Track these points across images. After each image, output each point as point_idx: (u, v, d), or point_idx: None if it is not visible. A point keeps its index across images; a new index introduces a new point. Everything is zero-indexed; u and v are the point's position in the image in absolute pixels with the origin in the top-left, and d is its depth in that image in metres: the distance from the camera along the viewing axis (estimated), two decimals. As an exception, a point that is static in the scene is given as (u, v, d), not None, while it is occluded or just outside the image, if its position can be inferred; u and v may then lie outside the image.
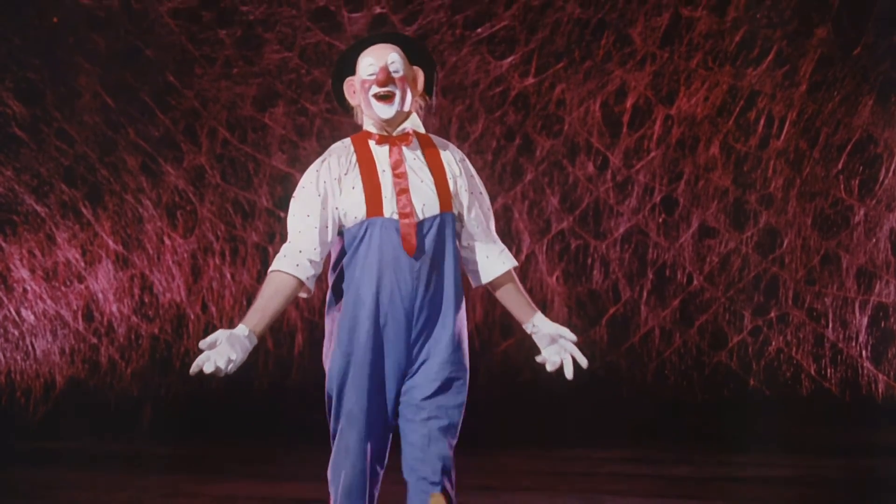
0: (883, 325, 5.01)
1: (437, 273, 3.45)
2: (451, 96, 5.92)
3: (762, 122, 5.52)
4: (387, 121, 3.41)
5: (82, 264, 5.91)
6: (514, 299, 3.52)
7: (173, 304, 5.97)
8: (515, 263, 3.52)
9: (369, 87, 3.41)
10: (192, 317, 6.00)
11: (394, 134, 3.46)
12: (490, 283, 3.53)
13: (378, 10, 5.93)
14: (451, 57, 5.89)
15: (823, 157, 5.29)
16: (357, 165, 3.45)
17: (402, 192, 3.41)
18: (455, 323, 3.46)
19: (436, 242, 3.43)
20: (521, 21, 5.90)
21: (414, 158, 3.46)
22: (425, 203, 3.40)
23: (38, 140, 5.85)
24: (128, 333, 5.94)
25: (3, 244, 5.79)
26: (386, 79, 3.40)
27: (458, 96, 5.93)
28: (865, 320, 5.10)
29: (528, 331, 3.43)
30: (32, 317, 5.85)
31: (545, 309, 5.73)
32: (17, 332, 5.83)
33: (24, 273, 5.83)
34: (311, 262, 3.44)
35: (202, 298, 6.00)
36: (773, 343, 5.47)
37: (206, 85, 5.98)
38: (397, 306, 3.40)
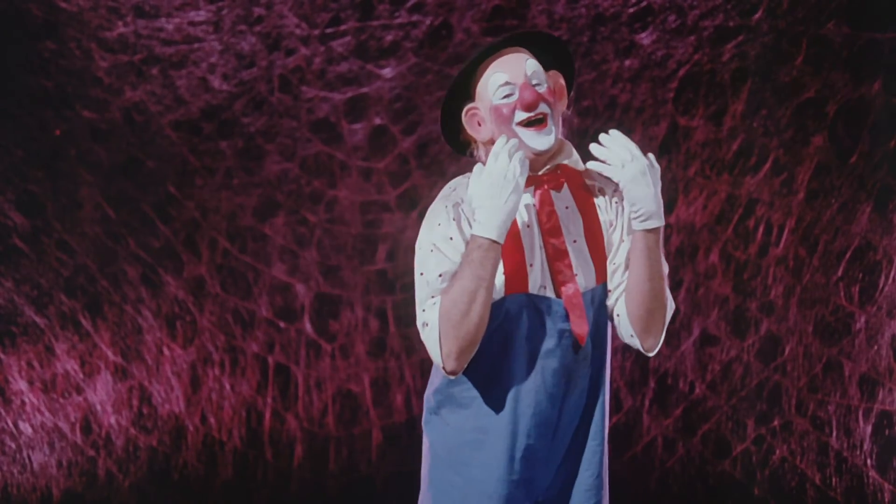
0: (887, 433, 4.97)
1: (592, 373, 2.55)
2: (451, 206, 5.94)
3: (761, 229, 5.54)
4: (540, 153, 2.55)
5: (81, 376, 5.88)
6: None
7: (172, 415, 5.93)
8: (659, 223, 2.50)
9: (511, 115, 2.52)
10: (191, 428, 5.95)
11: (540, 173, 2.57)
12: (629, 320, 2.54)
13: (378, 121, 5.98)
14: (450, 167, 5.92)
15: (823, 264, 5.29)
16: None
17: (560, 255, 2.50)
18: (604, 443, 2.62)
19: (596, 328, 2.55)
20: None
21: (566, 207, 2.57)
22: (580, 271, 2.53)
23: (39, 251, 5.86)
24: (126, 445, 5.90)
25: (2, 356, 5.77)
26: (534, 99, 2.50)
27: (458, 206, 5.94)
28: (869, 428, 5.06)
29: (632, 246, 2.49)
30: (30, 429, 5.81)
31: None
32: (14, 445, 5.78)
33: (23, 385, 5.80)
34: None
35: (201, 409, 5.96)
36: (777, 452, 5.42)
37: (206, 195, 6.01)
38: (544, 419, 2.50)
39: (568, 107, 2.68)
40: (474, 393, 2.54)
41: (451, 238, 2.52)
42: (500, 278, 2.49)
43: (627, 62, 5.78)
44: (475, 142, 2.66)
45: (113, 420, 5.89)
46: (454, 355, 2.46)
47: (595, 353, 2.54)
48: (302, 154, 6.01)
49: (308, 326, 5.98)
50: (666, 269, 2.57)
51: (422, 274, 2.54)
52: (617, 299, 2.58)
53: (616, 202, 2.61)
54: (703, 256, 5.68)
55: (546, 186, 2.55)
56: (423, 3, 5.92)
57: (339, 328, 5.98)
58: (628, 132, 6.04)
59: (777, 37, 5.49)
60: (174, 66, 5.96)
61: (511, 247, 2.49)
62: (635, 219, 2.48)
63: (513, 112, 2.53)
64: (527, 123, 2.53)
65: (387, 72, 5.97)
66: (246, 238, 6.01)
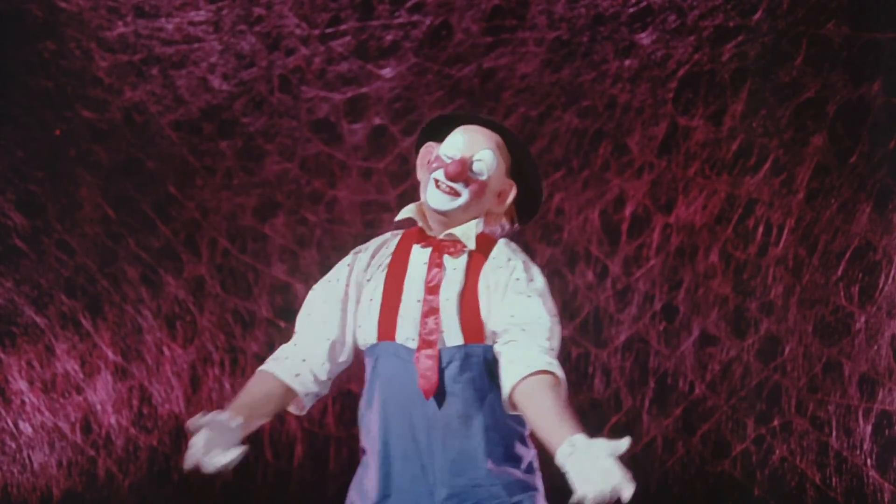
0: (887, 433, 4.98)
1: (466, 427, 2.56)
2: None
3: (760, 229, 5.54)
4: (437, 212, 2.67)
5: (81, 375, 5.88)
6: (542, 410, 2.50)
7: (172, 415, 5.93)
8: (554, 369, 2.61)
9: (435, 169, 2.68)
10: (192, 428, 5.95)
11: (441, 237, 2.70)
12: (514, 396, 2.55)
13: (378, 121, 5.98)
14: (450, 167, 5.92)
15: (823, 264, 5.30)
16: (386, 269, 2.72)
17: (431, 312, 2.62)
18: None
19: (459, 385, 2.59)
20: (519, 131, 5.94)
21: (454, 269, 2.68)
22: (445, 329, 2.61)
23: (39, 251, 5.86)
24: (126, 445, 5.90)
25: (2, 356, 5.77)
26: (458, 174, 2.63)
27: (458, 206, 5.94)
28: (869, 428, 5.06)
29: (560, 461, 2.38)
30: (30, 429, 5.81)
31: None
32: (14, 445, 5.78)
33: (23, 385, 5.80)
34: (314, 378, 2.71)
35: (201, 410, 5.96)
36: (777, 452, 5.42)
37: (206, 196, 6.01)
38: (411, 466, 2.56)
39: (513, 225, 2.80)
40: (363, 428, 2.70)
41: (330, 281, 2.80)
42: (373, 325, 2.66)
43: (627, 62, 5.78)
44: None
45: (113, 420, 5.89)
46: None
47: (465, 408, 2.59)
48: (302, 154, 6.01)
49: (308, 326, 5.98)
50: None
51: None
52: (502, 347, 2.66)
53: (499, 267, 2.68)
54: (702, 256, 5.68)
55: (442, 250, 2.67)
56: (423, 3, 5.92)
57: (339, 328, 5.97)
58: (628, 132, 6.05)
59: (777, 37, 5.49)
60: (174, 66, 5.96)
61: (391, 296, 2.65)
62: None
63: (438, 168, 2.67)
64: (438, 184, 2.66)
65: (387, 72, 5.97)
66: (246, 238, 6.01)
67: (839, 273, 5.21)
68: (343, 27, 5.96)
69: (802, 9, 5.39)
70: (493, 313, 2.63)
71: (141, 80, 5.95)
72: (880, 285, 5.06)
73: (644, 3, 5.73)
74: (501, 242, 2.74)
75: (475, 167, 2.66)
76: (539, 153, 5.87)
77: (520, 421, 2.64)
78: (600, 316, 5.76)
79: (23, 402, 5.81)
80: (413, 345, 2.61)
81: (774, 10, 5.48)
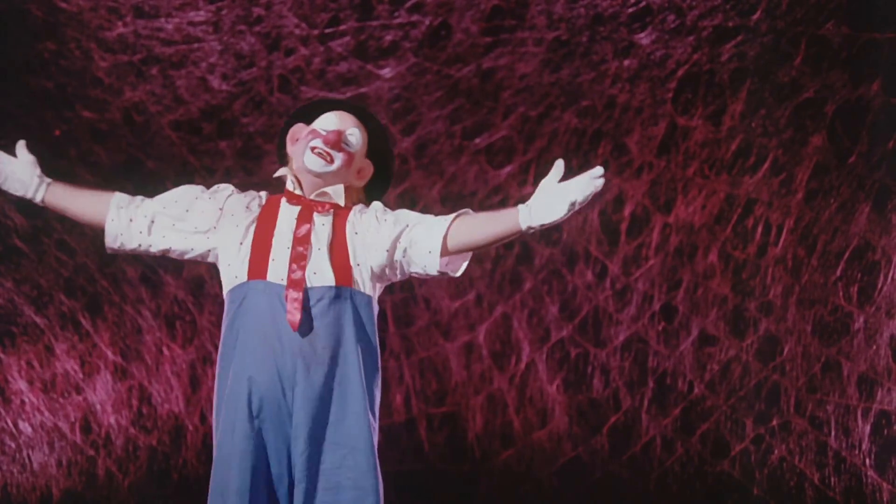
0: (885, 433, 4.98)
1: (329, 360, 2.94)
2: (451, 205, 5.95)
3: (759, 229, 5.55)
4: (313, 174, 3.09)
5: (81, 375, 5.89)
6: (480, 220, 3.02)
7: (172, 415, 5.94)
8: (465, 211, 3.06)
9: (312, 138, 3.12)
10: (191, 428, 5.96)
11: (311, 196, 3.12)
12: (448, 242, 3.01)
13: (377, 121, 5.99)
14: (449, 167, 5.94)
15: (822, 264, 5.30)
16: (255, 222, 3.11)
17: (299, 258, 2.99)
18: (355, 430, 2.98)
19: (326, 319, 2.98)
20: (518, 131, 5.95)
21: (322, 225, 3.07)
22: (316, 271, 3.00)
23: (39, 251, 5.87)
24: (125, 445, 5.90)
25: (2, 356, 5.78)
26: (335, 142, 3.08)
27: (457, 206, 5.96)
28: (868, 428, 5.06)
29: (525, 223, 2.94)
30: (30, 429, 5.81)
31: (546, 417, 5.69)
32: (13, 445, 5.79)
33: (23, 385, 5.81)
34: (127, 224, 3.18)
35: (201, 409, 5.97)
36: (776, 451, 5.42)
37: (206, 196, 6.01)
38: (275, 390, 2.90)
39: (366, 202, 3.15)
40: (227, 368, 2.99)
41: (209, 188, 3.23)
42: (243, 265, 3.00)
43: (626, 62, 5.78)
44: (287, 155, 3.18)
45: (113, 420, 5.89)
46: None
47: (328, 342, 2.93)
48: (301, 154, 6.01)
49: (307, 326, 5.98)
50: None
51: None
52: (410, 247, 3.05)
53: (366, 215, 3.07)
54: (701, 256, 5.69)
55: (311, 208, 3.06)
56: (423, 3, 5.92)
57: (338, 328, 5.98)
58: (627, 132, 6.05)
59: (776, 37, 5.49)
60: (174, 66, 5.96)
61: (262, 242, 2.98)
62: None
63: (314, 138, 3.09)
64: (315, 150, 3.07)
65: (386, 72, 5.97)
66: (245, 238, 6.01)
67: (838, 273, 5.22)
68: (342, 27, 5.96)
69: (801, 9, 5.39)
70: (380, 233, 3.02)
71: (141, 81, 5.96)
72: (879, 285, 5.06)
73: (643, 3, 5.73)
74: (358, 206, 3.14)
75: (347, 139, 3.10)
76: (539, 153, 5.88)
77: (376, 380, 3.04)
78: (599, 316, 5.77)
79: (22, 402, 5.81)
80: (283, 283, 2.96)
81: (773, 10, 5.48)
